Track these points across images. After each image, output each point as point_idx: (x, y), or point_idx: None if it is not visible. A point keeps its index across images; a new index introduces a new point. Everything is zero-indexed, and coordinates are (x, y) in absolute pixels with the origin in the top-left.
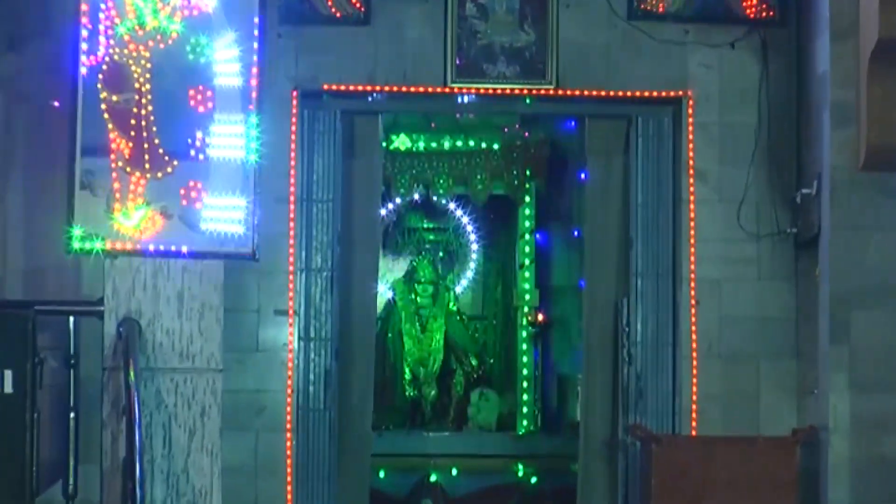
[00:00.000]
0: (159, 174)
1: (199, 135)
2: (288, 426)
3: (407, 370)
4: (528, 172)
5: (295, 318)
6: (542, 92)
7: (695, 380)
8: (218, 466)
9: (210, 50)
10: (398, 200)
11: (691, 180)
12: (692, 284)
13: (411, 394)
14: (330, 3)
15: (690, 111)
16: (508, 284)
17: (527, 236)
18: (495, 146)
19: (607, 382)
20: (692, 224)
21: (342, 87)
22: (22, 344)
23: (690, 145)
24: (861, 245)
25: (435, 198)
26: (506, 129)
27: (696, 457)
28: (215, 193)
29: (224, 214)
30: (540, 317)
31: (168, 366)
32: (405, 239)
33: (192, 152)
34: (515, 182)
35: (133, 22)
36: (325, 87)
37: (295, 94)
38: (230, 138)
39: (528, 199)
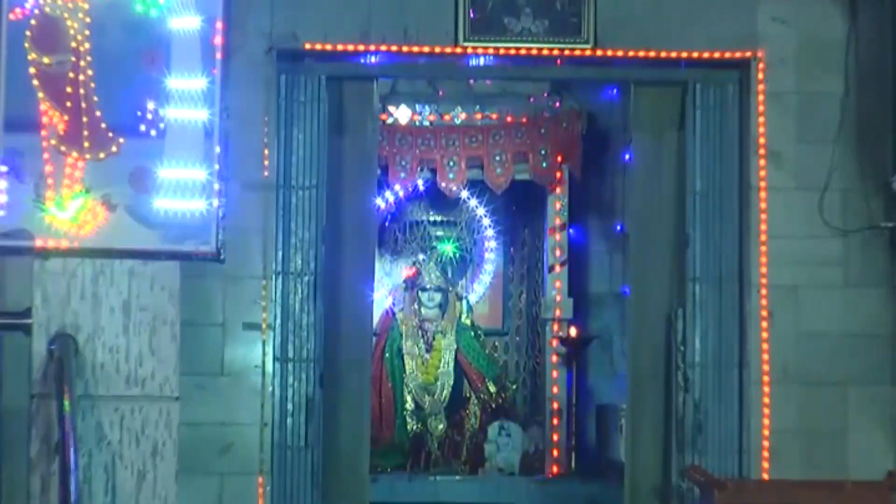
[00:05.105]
0: (101, 154)
1: (150, 106)
2: (260, 468)
3: (409, 398)
4: (559, 153)
5: (269, 334)
6: (577, 52)
7: (766, 410)
8: None
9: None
10: (398, 188)
11: (762, 162)
12: (763, 292)
13: (414, 428)
14: None
15: (761, 77)
16: (535, 292)
17: (557, 232)
18: (519, 120)
19: (658, 414)
20: (763, 217)
21: (328, 47)
22: None
23: (761, 119)
24: None
25: (444, 184)
26: (532, 99)
27: None
28: (171, 179)
29: (181, 205)
30: (574, 332)
31: (112, 393)
32: (407, 235)
33: (143, 127)
34: (543, 165)
35: None
36: (308, 46)
37: (270, 54)
38: (189, 110)
39: (559, 186)
